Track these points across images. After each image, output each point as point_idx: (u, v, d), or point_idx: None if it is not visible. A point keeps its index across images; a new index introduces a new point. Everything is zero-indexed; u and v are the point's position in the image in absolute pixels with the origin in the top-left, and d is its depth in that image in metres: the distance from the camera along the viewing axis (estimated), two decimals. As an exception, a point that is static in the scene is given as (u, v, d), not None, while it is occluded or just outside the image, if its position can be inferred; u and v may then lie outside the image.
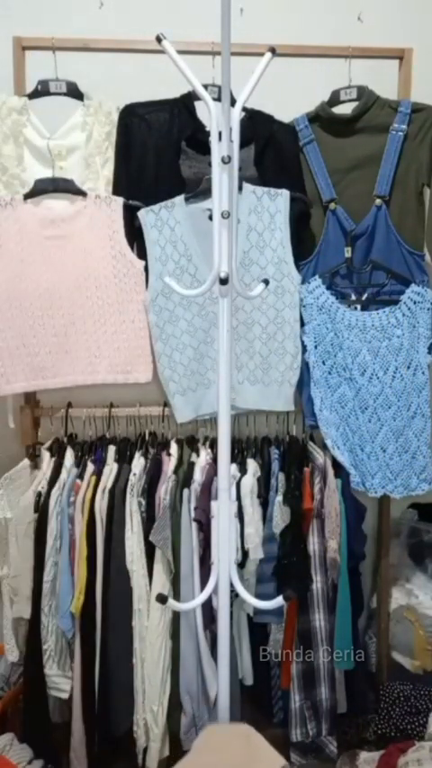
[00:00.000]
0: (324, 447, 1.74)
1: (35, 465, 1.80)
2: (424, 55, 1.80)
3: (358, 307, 1.72)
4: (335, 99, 1.78)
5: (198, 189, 1.65)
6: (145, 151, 1.69)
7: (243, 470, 1.71)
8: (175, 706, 1.68)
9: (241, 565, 1.65)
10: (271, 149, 1.72)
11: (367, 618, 2.10)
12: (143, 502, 1.65)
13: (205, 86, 1.24)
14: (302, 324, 1.72)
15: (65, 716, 1.76)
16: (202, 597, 1.43)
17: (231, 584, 1.39)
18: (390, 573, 2.02)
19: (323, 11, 1.94)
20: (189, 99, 1.71)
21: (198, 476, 1.68)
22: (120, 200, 1.66)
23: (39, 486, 1.69)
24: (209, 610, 1.61)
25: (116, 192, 1.70)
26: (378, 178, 1.73)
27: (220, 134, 1.19)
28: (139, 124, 1.69)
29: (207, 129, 1.69)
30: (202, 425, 1.86)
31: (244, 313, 1.70)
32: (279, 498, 1.68)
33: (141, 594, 1.63)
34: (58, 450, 1.78)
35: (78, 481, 1.69)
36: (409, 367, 1.69)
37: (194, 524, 1.61)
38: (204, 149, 1.68)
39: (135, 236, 1.69)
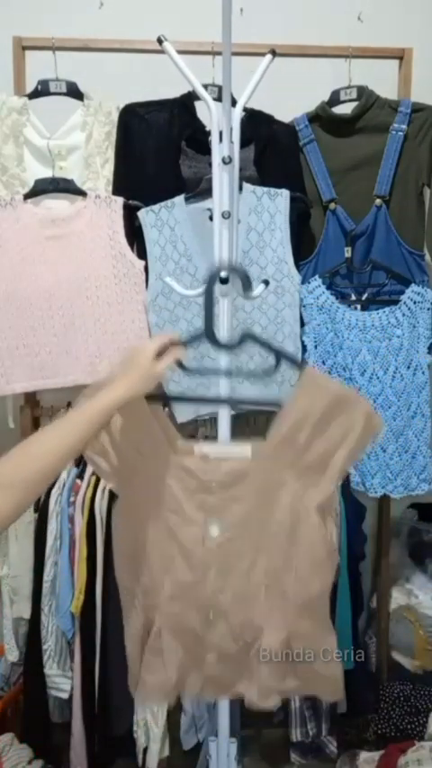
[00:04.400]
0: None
1: (35, 465, 1.79)
2: (424, 55, 1.80)
3: (358, 307, 1.72)
4: (335, 99, 1.78)
5: (198, 189, 1.64)
6: (145, 151, 1.69)
7: (243, 470, 1.71)
8: (175, 706, 1.68)
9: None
10: (271, 149, 1.72)
11: (367, 618, 2.10)
12: (143, 502, 1.65)
13: (205, 86, 1.24)
14: (302, 324, 1.72)
15: (65, 716, 1.76)
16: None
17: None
18: (390, 573, 2.02)
19: (323, 11, 1.95)
20: (189, 99, 1.71)
21: (198, 476, 1.68)
22: (120, 200, 1.66)
23: (39, 486, 1.69)
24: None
25: (116, 191, 1.70)
26: (378, 178, 1.73)
27: (220, 134, 1.19)
28: (139, 124, 1.69)
29: (207, 129, 1.69)
30: (202, 425, 1.86)
31: (244, 313, 1.70)
32: (279, 498, 1.69)
33: (141, 594, 1.63)
34: (58, 450, 1.78)
35: (78, 481, 1.69)
36: (409, 367, 1.69)
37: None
38: (204, 149, 1.68)
39: (135, 236, 1.69)
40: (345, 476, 1.52)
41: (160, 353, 1.10)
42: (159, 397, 1.25)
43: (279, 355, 1.21)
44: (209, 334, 1.17)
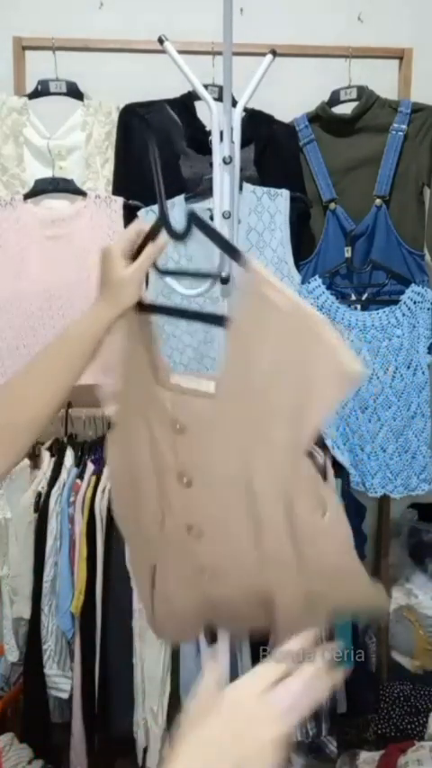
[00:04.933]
0: (324, 447, 1.74)
1: (35, 465, 1.79)
2: (424, 55, 1.80)
3: (358, 307, 1.72)
4: (335, 99, 1.78)
5: (198, 189, 1.64)
6: (145, 151, 1.69)
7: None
8: (175, 706, 1.68)
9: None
10: (271, 149, 1.72)
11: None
12: (143, 502, 1.65)
13: (205, 86, 1.25)
14: (302, 324, 1.71)
15: (65, 716, 1.76)
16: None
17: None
18: (390, 573, 2.02)
19: (323, 11, 1.94)
20: (189, 99, 1.71)
21: (198, 476, 1.67)
22: (120, 200, 1.66)
23: (39, 486, 1.69)
24: (209, 610, 1.61)
25: (116, 191, 1.70)
26: (378, 178, 1.73)
27: (221, 134, 1.19)
28: (139, 124, 1.69)
29: (207, 129, 1.69)
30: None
31: (244, 313, 1.70)
32: (279, 498, 1.68)
33: (141, 594, 1.63)
34: (58, 451, 1.78)
35: (78, 481, 1.69)
36: (409, 367, 1.69)
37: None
38: (204, 149, 1.68)
39: (135, 236, 1.69)
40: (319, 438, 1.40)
41: (136, 255, 0.98)
42: (148, 307, 1.06)
43: (223, 244, 0.97)
44: (163, 218, 1.00)
